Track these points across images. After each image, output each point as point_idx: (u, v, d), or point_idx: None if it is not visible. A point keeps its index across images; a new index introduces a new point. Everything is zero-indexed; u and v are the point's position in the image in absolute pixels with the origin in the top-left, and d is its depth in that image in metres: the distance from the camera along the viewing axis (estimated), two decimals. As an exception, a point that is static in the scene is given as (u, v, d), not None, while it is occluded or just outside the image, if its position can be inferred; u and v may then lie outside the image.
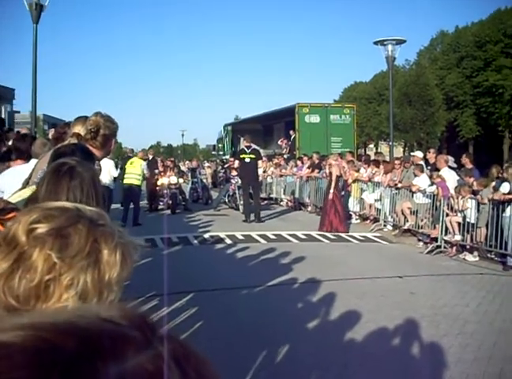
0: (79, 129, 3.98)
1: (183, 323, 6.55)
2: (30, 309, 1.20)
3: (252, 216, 16.38)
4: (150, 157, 20.65)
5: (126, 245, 1.30)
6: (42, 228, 1.20)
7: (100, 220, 1.29)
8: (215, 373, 0.65)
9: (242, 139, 17.03)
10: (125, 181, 16.41)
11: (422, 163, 14.23)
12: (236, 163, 16.16)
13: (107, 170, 16.82)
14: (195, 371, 0.62)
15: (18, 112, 60.03)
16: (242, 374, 5.22)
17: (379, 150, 57.09)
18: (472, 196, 11.69)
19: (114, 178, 16.48)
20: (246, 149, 16.87)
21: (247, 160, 16.74)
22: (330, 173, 15.33)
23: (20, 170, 4.75)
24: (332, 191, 14.77)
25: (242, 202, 17.97)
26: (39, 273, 1.18)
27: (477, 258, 11.35)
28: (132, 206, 16.16)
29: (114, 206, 17.09)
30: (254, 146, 17.16)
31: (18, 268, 1.18)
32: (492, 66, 46.89)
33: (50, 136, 8.34)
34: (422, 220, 13.16)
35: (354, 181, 16.78)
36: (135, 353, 0.55)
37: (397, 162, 15.82)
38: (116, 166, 16.02)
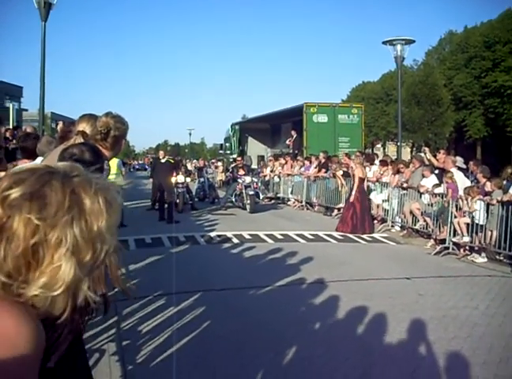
0: (84, 126, 3.95)
1: (191, 322, 6.52)
2: (23, 281, 1.16)
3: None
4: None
5: (108, 190, 1.25)
6: (14, 193, 1.16)
7: (74, 172, 1.24)
8: None
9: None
10: None
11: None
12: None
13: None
14: None
15: (26, 110, 60.25)
16: (251, 374, 5.19)
17: (387, 150, 57.11)
18: (481, 197, 11.61)
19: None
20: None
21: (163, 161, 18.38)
22: (353, 175, 15.27)
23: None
24: (354, 193, 14.74)
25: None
26: (22, 240, 1.14)
27: (485, 259, 11.28)
28: None
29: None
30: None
31: (1, 241, 1.15)
32: (501, 67, 46.72)
33: (58, 128, 8.32)
34: (436, 220, 12.97)
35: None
36: None
37: (401, 164, 15.76)
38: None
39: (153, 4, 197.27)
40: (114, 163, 16.71)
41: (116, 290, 2.32)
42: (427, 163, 14.58)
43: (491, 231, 11.30)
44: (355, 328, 6.47)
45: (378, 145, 65.09)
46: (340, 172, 17.50)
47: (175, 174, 18.54)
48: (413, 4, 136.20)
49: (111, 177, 16.11)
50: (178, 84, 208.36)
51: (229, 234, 13.42)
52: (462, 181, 12.70)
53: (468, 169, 14.12)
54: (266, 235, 13.43)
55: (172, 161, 18.26)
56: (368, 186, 16.09)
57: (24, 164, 5.59)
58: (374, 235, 14.25)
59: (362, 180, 15.03)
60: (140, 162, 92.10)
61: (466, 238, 11.77)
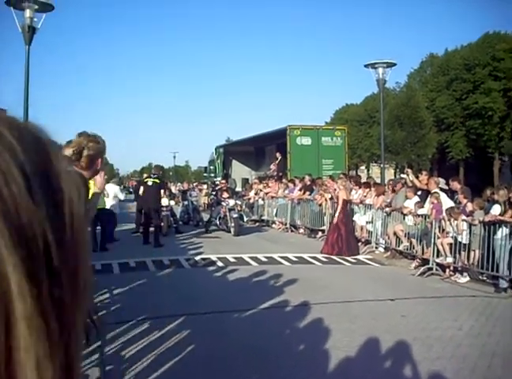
0: (68, 152, 3.96)
1: (175, 346, 6.48)
2: None
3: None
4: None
5: None
6: None
7: None
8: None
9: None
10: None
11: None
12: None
13: (113, 195, 16.90)
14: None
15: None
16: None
17: (370, 171, 57.46)
18: (464, 217, 11.70)
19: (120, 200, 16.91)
20: (151, 175, 17.28)
21: (150, 183, 16.90)
22: (337, 197, 15.36)
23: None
24: (337, 215, 14.80)
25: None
26: None
27: (468, 278, 11.35)
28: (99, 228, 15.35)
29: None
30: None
31: None
32: (481, 89, 47.38)
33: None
34: (420, 242, 13.06)
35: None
36: None
37: (391, 182, 15.86)
38: (122, 191, 16.09)
39: (139, 22, 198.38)
40: (111, 189, 16.71)
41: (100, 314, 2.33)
42: (409, 184, 14.67)
43: (474, 251, 11.38)
44: (339, 351, 6.46)
45: (362, 167, 65.47)
46: (329, 195, 17.51)
47: (163, 193, 18.18)
48: (395, 27, 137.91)
49: (109, 201, 16.05)
50: (162, 106, 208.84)
51: (214, 258, 13.40)
52: (445, 203, 12.80)
53: (450, 190, 14.19)
54: (251, 258, 13.41)
55: (158, 181, 17.60)
56: (352, 208, 16.16)
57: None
58: (358, 257, 14.28)
59: (346, 202, 15.11)
60: (126, 185, 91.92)
61: (449, 259, 11.84)
